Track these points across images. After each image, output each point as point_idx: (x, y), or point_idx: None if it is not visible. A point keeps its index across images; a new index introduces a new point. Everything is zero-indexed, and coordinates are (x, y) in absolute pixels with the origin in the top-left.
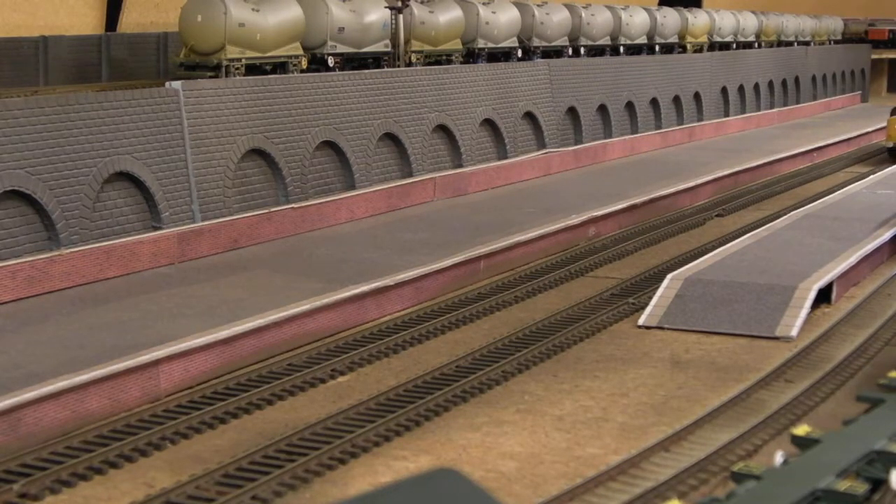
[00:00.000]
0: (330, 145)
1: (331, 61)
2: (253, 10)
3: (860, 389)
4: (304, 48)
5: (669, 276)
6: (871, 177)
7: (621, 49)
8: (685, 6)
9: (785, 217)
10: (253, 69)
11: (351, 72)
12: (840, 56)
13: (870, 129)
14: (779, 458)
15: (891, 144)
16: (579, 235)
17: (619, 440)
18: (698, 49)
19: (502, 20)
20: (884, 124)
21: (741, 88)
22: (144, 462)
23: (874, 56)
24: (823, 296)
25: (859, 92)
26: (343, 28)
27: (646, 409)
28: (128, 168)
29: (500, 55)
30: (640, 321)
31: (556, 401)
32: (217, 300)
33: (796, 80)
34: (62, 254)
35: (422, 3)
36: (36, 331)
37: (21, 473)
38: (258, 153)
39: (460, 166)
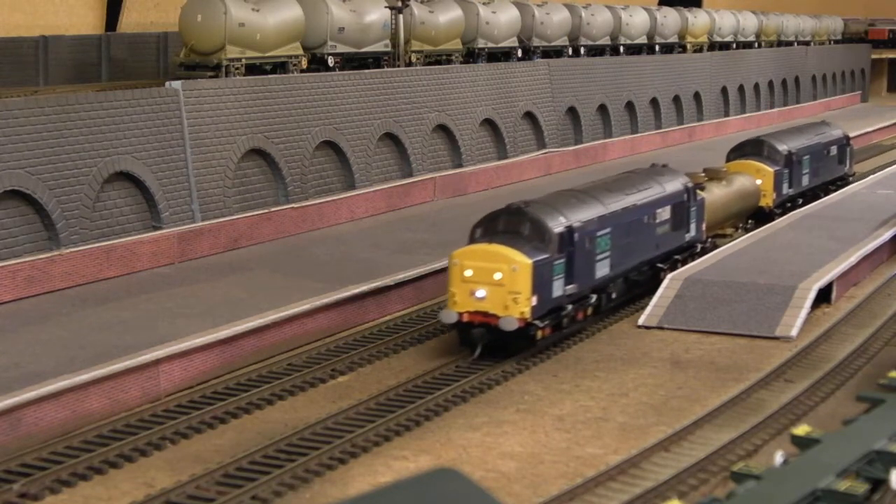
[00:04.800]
0: (330, 145)
1: (331, 61)
2: (253, 10)
3: (860, 389)
4: (304, 48)
5: (669, 275)
6: (871, 177)
7: (621, 49)
8: (685, 6)
9: (785, 217)
10: (253, 69)
11: (351, 72)
12: (840, 56)
13: (870, 129)
14: (779, 458)
15: (455, 317)
16: None
17: (619, 440)
18: (698, 49)
19: (502, 20)
20: (885, 123)
21: (741, 88)
22: (144, 462)
23: (874, 56)
24: (823, 296)
25: (859, 92)
26: (343, 28)
27: (646, 409)
28: (128, 168)
29: (500, 55)
30: (640, 321)
31: (556, 401)
32: (217, 300)
33: (796, 80)
34: (62, 254)
35: (422, 3)
36: (36, 331)
37: (21, 473)
38: (258, 153)
39: (460, 166)
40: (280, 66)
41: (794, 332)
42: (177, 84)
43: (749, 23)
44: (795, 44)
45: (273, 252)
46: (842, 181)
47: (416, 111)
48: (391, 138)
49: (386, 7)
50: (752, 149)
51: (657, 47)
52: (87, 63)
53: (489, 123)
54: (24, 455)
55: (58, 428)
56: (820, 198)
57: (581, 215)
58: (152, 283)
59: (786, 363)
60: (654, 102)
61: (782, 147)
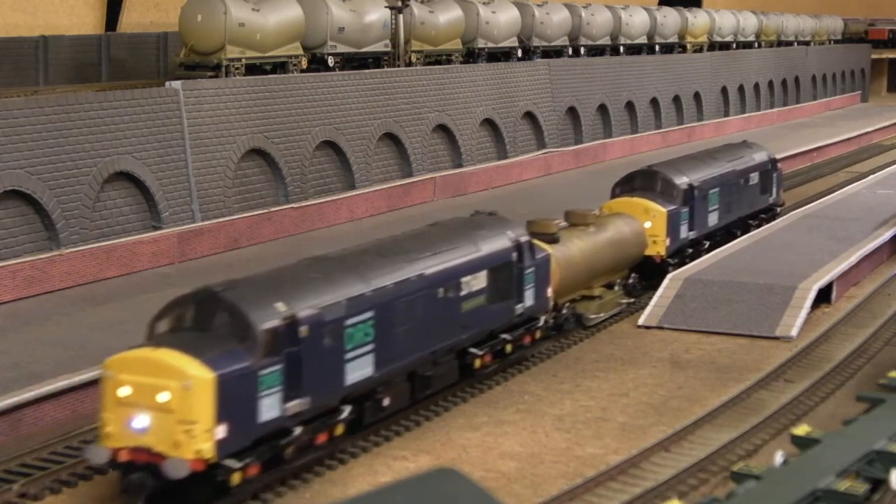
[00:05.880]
0: (330, 145)
1: (331, 61)
2: (253, 9)
3: (860, 389)
4: (304, 48)
5: (669, 275)
6: (871, 177)
7: (621, 49)
8: (685, 6)
9: (785, 217)
10: (253, 69)
11: (351, 72)
12: (840, 56)
13: (870, 129)
14: (779, 458)
15: (106, 455)
16: None
17: (619, 440)
18: (698, 49)
19: (502, 20)
20: (885, 123)
21: (741, 88)
22: None
23: (874, 56)
24: (823, 296)
25: (859, 92)
26: (343, 28)
27: (646, 409)
28: (128, 168)
29: (500, 55)
30: (640, 321)
31: (556, 401)
32: None
33: (796, 80)
34: (62, 254)
35: (422, 3)
36: (36, 331)
37: (21, 473)
38: (258, 153)
39: (460, 166)
40: (280, 66)
41: (794, 332)
42: (177, 84)
43: (749, 23)
44: (795, 44)
45: (273, 252)
46: (767, 213)
47: (416, 111)
48: (391, 138)
49: (386, 7)
50: (641, 182)
51: (657, 47)
52: (87, 63)
53: (489, 123)
54: (24, 455)
55: (58, 428)
56: (737, 236)
57: (318, 298)
58: (152, 283)
59: (786, 363)
60: (654, 102)
61: (681, 180)
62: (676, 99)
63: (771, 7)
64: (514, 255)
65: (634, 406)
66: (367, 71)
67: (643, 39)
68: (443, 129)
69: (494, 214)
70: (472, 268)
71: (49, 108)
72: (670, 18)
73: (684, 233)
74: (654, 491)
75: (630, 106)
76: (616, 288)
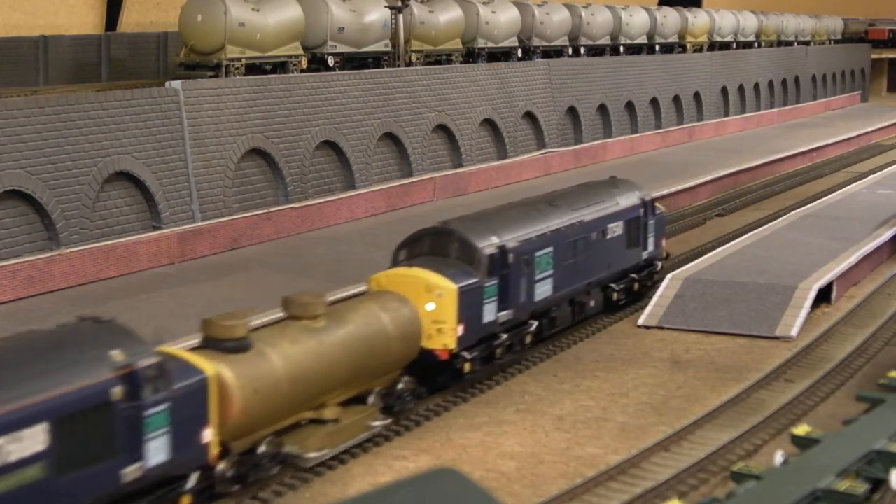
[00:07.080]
0: (330, 145)
1: (331, 61)
2: (253, 9)
3: (860, 389)
4: (304, 48)
5: (669, 275)
6: (871, 177)
7: (621, 49)
8: (685, 6)
9: (785, 217)
10: (253, 69)
11: (351, 72)
12: (840, 56)
13: (869, 129)
14: (779, 458)
15: None
16: None
17: (619, 440)
18: (698, 49)
19: (502, 20)
20: (885, 123)
21: (741, 88)
22: None
23: (874, 56)
24: (823, 296)
25: (859, 92)
26: (343, 28)
27: (646, 409)
28: (128, 168)
29: (500, 55)
30: (640, 321)
31: (556, 401)
32: (217, 300)
33: (796, 79)
34: (62, 254)
35: (422, 2)
36: None
37: None
38: (258, 153)
39: (460, 166)
40: (280, 66)
41: (794, 332)
42: (177, 84)
43: (749, 23)
44: (795, 44)
45: (273, 252)
46: (640, 272)
47: (416, 111)
48: (391, 138)
49: (386, 7)
50: (431, 245)
51: (657, 47)
52: (87, 63)
53: (489, 123)
54: None
55: None
56: (588, 307)
57: None
58: (152, 283)
59: (786, 363)
60: (654, 102)
61: (486, 242)
62: (676, 99)
63: (771, 7)
64: (119, 390)
65: (634, 406)
66: (367, 71)
67: (643, 39)
68: (443, 129)
69: (107, 322)
70: (13, 423)
71: (49, 108)
72: (670, 18)
73: (491, 315)
74: (654, 491)
75: (630, 106)
76: (371, 401)
